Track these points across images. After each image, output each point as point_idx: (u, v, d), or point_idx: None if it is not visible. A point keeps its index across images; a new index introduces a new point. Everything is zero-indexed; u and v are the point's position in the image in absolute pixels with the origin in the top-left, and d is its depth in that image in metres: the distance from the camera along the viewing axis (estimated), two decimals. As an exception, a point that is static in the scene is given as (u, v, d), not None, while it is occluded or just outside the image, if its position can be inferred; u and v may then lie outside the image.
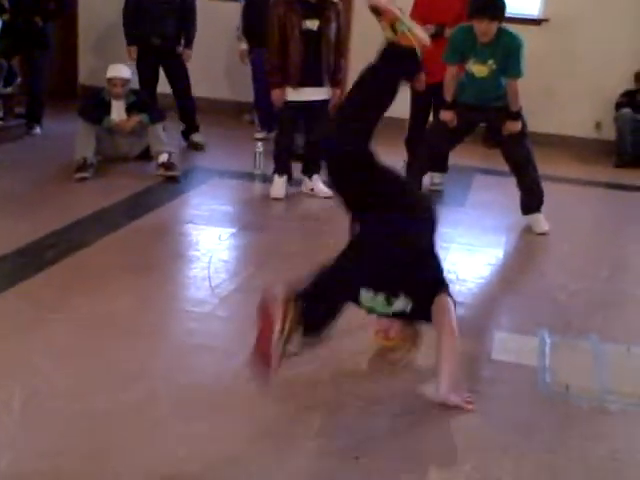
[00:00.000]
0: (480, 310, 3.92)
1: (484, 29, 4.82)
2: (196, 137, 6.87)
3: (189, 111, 6.91)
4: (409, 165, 5.60)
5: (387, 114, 2.86)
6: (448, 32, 5.33)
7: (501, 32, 4.89)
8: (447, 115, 5.17)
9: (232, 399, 2.85)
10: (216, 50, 8.33)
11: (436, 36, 5.22)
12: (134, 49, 6.67)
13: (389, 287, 2.96)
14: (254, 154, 6.08)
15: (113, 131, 5.90)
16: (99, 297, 3.63)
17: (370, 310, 3.09)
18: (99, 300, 3.60)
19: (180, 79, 6.81)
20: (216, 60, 8.38)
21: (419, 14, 5.16)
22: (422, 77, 5.27)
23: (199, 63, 8.19)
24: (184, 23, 6.71)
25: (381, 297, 2.98)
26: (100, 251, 4.29)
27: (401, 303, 2.99)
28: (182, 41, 6.75)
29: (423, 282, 2.99)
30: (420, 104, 5.85)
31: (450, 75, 5.16)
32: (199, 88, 8.12)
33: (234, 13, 7.76)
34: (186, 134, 6.90)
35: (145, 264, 4.13)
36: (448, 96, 5.20)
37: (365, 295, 2.98)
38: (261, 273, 4.09)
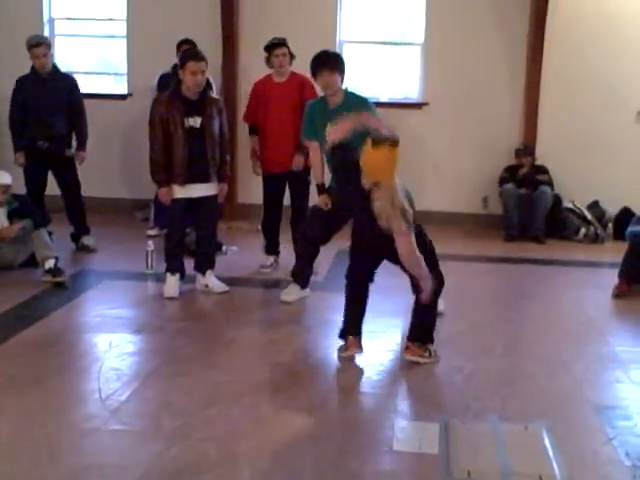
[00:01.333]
0: (381, 399, 3.88)
1: (326, 81, 4.98)
2: (86, 240, 6.71)
3: (79, 214, 6.75)
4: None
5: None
6: None
7: (347, 94, 5.06)
8: (321, 199, 5.12)
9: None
10: (105, 148, 8.26)
11: None
12: (21, 154, 6.46)
13: None
14: (145, 253, 5.97)
15: (-5, 239, 5.70)
16: (-21, 421, 3.41)
17: None
18: (-21, 424, 3.38)
19: (69, 182, 6.66)
20: (106, 158, 8.30)
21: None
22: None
23: (88, 162, 8.13)
24: (74, 124, 6.59)
25: None
26: (-19, 369, 4.06)
27: None
28: (74, 143, 6.63)
29: None
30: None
31: (314, 153, 5.15)
32: (88, 187, 8.03)
33: (123, 110, 7.78)
34: (76, 237, 6.73)
35: (31, 379, 3.92)
36: (317, 178, 5.18)
37: None
38: (154, 381, 3.94)
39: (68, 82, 6.62)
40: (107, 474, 3.00)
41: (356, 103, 4.93)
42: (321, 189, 5.15)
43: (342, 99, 5.02)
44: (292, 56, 5.88)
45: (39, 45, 6.36)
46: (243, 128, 8.02)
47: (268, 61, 5.88)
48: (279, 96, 5.81)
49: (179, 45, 6.95)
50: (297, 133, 5.54)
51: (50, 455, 3.17)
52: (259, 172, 6.08)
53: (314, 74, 5.06)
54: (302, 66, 7.13)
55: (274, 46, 5.81)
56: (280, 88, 5.83)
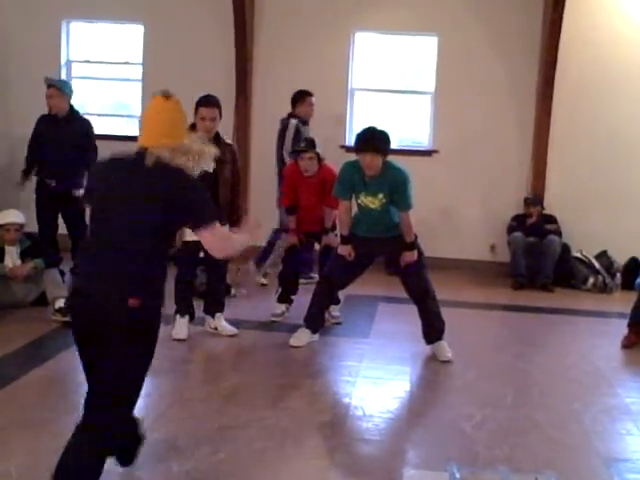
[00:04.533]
0: (388, 447, 3.87)
1: (368, 163, 4.97)
2: None
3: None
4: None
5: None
6: None
7: (387, 166, 5.05)
8: (345, 249, 5.25)
9: None
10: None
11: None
12: (24, 178, 6.69)
13: None
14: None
15: (7, 277, 5.73)
16: (-12, 460, 3.41)
17: None
18: (-13, 464, 3.38)
19: (75, 221, 6.67)
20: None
21: None
22: None
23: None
24: (86, 166, 6.63)
25: None
26: (-9, 408, 4.07)
27: None
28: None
29: None
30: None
31: (343, 209, 5.28)
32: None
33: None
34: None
35: (40, 419, 3.93)
36: (344, 230, 5.30)
37: None
38: (163, 423, 3.94)
39: (83, 125, 6.72)
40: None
41: (395, 181, 5.02)
42: (346, 240, 5.27)
43: (381, 170, 5.03)
44: (320, 158, 5.92)
45: (48, 87, 6.57)
46: (255, 171, 8.17)
47: (296, 158, 5.98)
48: (307, 190, 5.93)
49: None
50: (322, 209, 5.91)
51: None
52: (287, 244, 6.16)
53: (357, 150, 5.07)
54: (318, 113, 7.29)
55: (301, 151, 5.89)
56: (308, 183, 5.93)
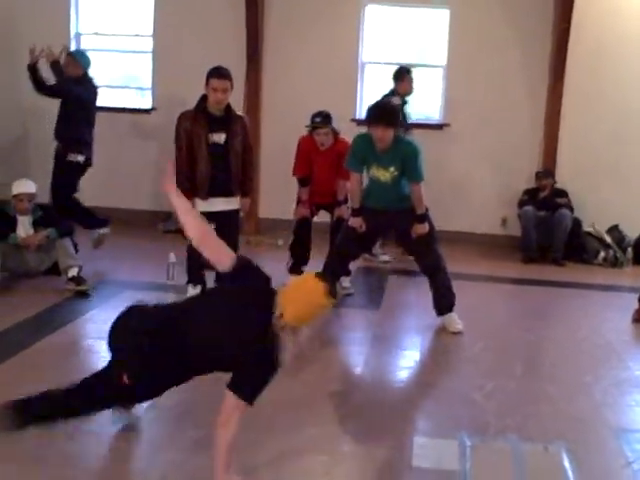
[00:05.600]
0: (399, 415, 3.89)
1: (380, 136, 4.97)
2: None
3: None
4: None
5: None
6: None
7: (398, 140, 5.05)
8: (356, 221, 5.26)
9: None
10: (128, 160, 8.36)
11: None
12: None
13: None
14: (167, 265, 6.02)
15: (20, 247, 5.76)
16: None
17: None
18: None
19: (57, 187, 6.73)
20: (129, 170, 8.39)
21: None
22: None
23: (112, 173, 8.22)
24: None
25: None
26: (4, 373, 4.10)
27: None
28: None
29: None
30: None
31: (355, 182, 5.28)
32: (112, 199, 8.13)
33: (147, 124, 7.87)
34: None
35: (54, 384, 3.94)
36: (355, 202, 5.30)
37: None
38: (173, 390, 3.96)
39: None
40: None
41: (406, 153, 5.04)
42: (357, 212, 5.27)
43: (392, 144, 5.04)
44: (335, 132, 5.93)
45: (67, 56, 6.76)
46: (266, 144, 8.15)
47: (311, 132, 5.95)
48: (322, 162, 5.94)
49: None
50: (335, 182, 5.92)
51: (74, 459, 3.20)
52: (298, 215, 6.14)
53: (369, 124, 5.07)
54: (329, 87, 7.27)
55: (317, 127, 5.87)
56: (322, 155, 5.93)
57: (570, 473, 3.25)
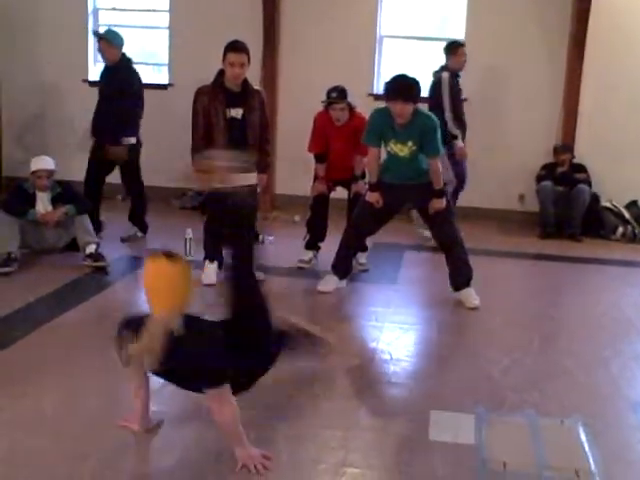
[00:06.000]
0: (416, 390, 3.91)
1: (399, 111, 4.93)
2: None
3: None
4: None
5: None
6: None
7: (417, 113, 5.01)
8: (373, 196, 5.24)
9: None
10: (144, 136, 8.37)
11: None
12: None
13: None
14: (184, 240, 6.04)
15: (39, 223, 5.80)
16: (24, 397, 3.50)
17: None
18: (24, 401, 3.47)
19: (131, 177, 6.82)
20: (145, 146, 8.40)
21: None
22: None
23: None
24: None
25: None
26: (25, 348, 4.16)
27: None
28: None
29: None
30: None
31: (372, 156, 5.25)
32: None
33: (164, 99, 7.86)
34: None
35: (74, 359, 4.02)
36: (372, 177, 5.28)
37: None
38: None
39: (124, 74, 6.55)
40: (148, 452, 3.07)
41: (424, 127, 5.00)
42: (374, 187, 5.25)
43: (411, 118, 4.99)
44: (351, 107, 5.84)
45: (99, 40, 6.59)
46: (283, 120, 8.13)
47: (327, 107, 5.87)
48: (338, 137, 5.86)
49: None
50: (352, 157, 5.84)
51: (94, 434, 3.24)
52: (315, 192, 6.09)
53: (387, 99, 5.02)
54: (346, 62, 7.23)
55: (332, 102, 5.77)
56: (338, 131, 5.86)
57: (587, 447, 3.25)
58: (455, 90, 6.80)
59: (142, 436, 3.20)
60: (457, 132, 6.88)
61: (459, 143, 6.93)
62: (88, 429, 3.28)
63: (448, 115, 6.75)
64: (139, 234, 6.76)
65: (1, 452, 3.04)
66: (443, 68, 6.95)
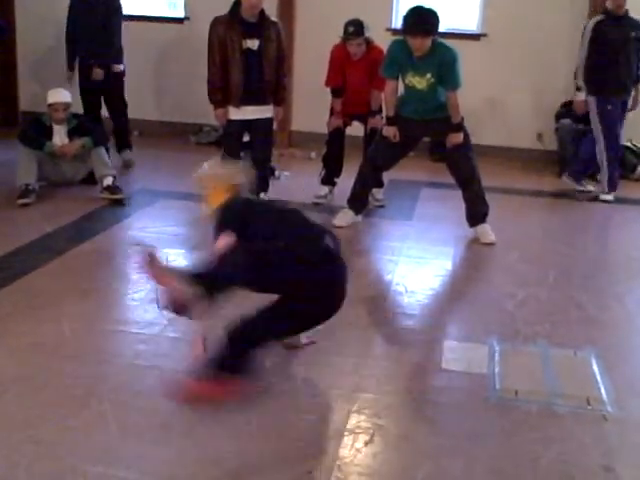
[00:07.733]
0: (430, 321, 3.95)
1: (418, 45, 4.85)
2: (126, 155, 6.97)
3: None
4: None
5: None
6: None
7: (436, 45, 4.92)
8: (390, 130, 5.19)
9: (183, 420, 2.82)
10: (161, 71, 8.32)
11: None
12: (71, 74, 6.84)
13: None
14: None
15: (56, 156, 5.81)
16: (43, 323, 3.57)
17: None
18: (43, 326, 3.54)
19: (116, 103, 6.97)
20: (161, 81, 8.36)
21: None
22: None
23: (143, 84, 8.19)
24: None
25: None
26: (44, 276, 4.22)
27: None
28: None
29: None
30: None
31: (390, 89, 5.19)
32: (142, 110, 8.12)
33: (180, 34, 7.77)
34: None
35: (91, 288, 4.07)
36: (389, 111, 5.23)
37: None
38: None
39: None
40: (165, 377, 3.12)
41: (443, 59, 4.90)
42: (391, 121, 5.19)
43: (430, 50, 4.90)
44: (368, 40, 5.68)
45: None
46: (300, 55, 8.02)
47: (344, 41, 5.72)
48: (355, 71, 5.75)
49: None
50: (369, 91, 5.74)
51: (111, 357, 3.31)
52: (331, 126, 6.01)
53: (405, 32, 4.91)
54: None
55: (349, 37, 5.63)
56: (355, 65, 5.73)
57: (599, 377, 3.29)
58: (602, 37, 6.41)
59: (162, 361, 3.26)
60: (581, 83, 6.70)
61: (578, 95, 6.75)
62: (107, 352, 3.35)
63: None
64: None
65: (25, 374, 3.11)
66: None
